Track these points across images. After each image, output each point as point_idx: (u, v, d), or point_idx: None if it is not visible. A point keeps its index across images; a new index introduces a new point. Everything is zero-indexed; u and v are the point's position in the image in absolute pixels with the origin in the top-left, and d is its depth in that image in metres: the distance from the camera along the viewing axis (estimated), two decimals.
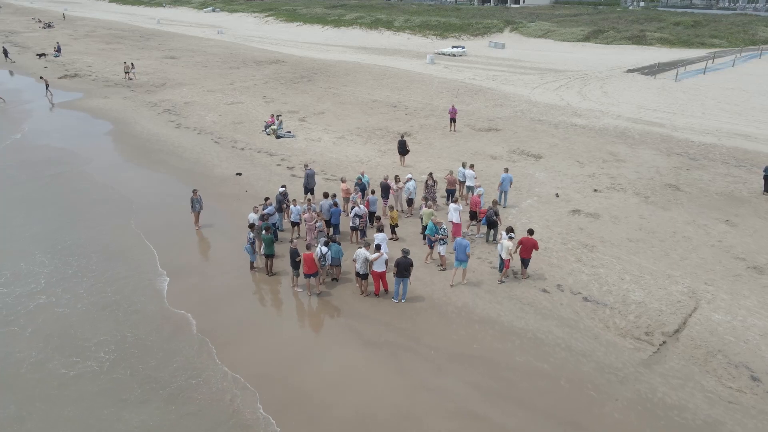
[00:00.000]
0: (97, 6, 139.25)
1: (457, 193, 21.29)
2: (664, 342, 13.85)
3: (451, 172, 21.67)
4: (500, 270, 16.74)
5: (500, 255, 16.46)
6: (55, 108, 39.60)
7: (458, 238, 16.32)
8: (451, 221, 18.51)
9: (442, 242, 17.13)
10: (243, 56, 60.69)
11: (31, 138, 32.70)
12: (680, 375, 12.82)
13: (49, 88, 41.89)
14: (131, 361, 13.73)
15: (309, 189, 21.95)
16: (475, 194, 19.63)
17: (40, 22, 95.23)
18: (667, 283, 16.24)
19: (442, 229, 17.01)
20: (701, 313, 14.87)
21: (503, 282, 16.64)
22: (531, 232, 16.46)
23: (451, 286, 16.49)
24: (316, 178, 24.69)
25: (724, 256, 17.82)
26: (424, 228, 19.09)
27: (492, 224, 18.74)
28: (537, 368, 13.19)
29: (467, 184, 21.85)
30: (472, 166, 22.30)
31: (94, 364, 13.66)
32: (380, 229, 16.84)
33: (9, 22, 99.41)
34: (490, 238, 19.03)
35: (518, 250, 16.32)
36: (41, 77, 44.16)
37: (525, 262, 16.54)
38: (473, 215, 19.51)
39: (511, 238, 16.34)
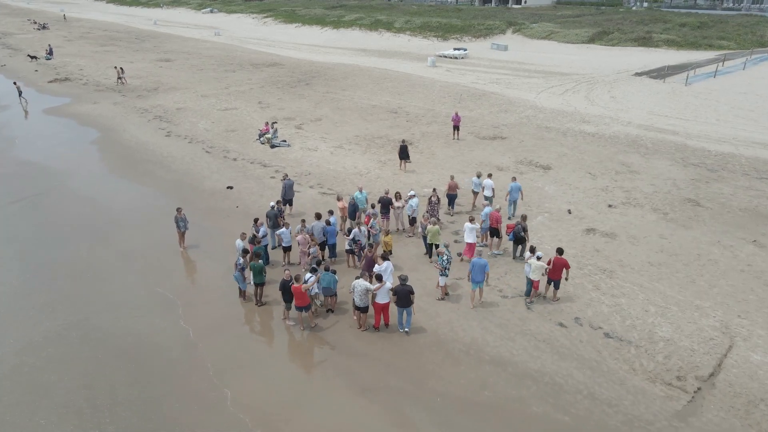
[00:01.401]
0: (94, 6, 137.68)
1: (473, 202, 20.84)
2: (699, 388, 12.33)
3: (452, 177, 21.16)
4: (527, 294, 15.56)
5: (528, 276, 15.28)
6: (40, 114, 38.01)
7: (475, 258, 14.99)
8: (467, 242, 17.18)
9: (442, 273, 15.55)
10: (239, 59, 59.15)
11: (7, 148, 31.18)
12: (720, 430, 11.30)
13: (22, 95, 40.14)
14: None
15: (287, 200, 21.25)
16: (494, 209, 18.17)
17: (35, 23, 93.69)
18: (697, 316, 14.72)
19: (443, 258, 15.38)
20: (737, 353, 13.35)
21: (531, 304, 15.44)
22: (560, 251, 15.30)
23: (473, 308, 15.37)
24: (311, 192, 23.24)
25: (755, 283, 16.29)
26: (430, 246, 17.68)
27: (519, 240, 17.49)
28: (557, 421, 11.65)
29: (485, 194, 20.77)
30: (490, 176, 21.23)
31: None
32: (384, 258, 15.30)
33: (3, 24, 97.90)
34: (517, 255, 17.75)
35: (547, 271, 15.14)
36: (14, 83, 42.33)
37: (556, 283, 15.38)
38: (494, 232, 18.12)
39: (539, 258, 15.15)
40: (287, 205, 21.28)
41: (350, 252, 17.35)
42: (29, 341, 14.55)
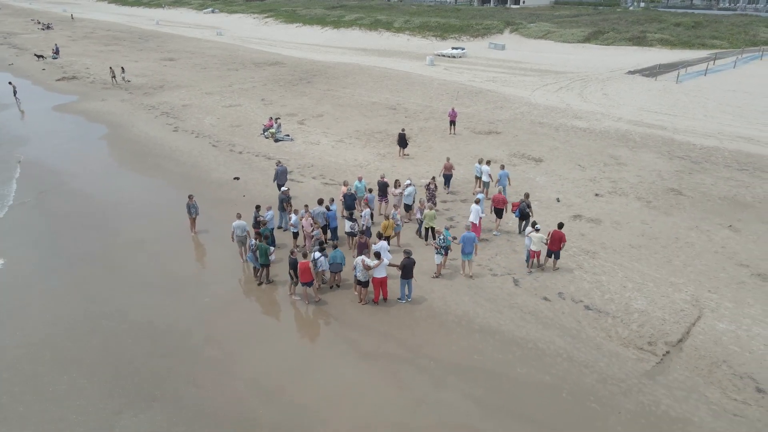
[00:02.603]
0: (96, 7, 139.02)
1: (476, 188, 22.72)
2: (667, 352, 13.60)
3: (447, 159, 23.74)
4: (527, 261, 17.39)
5: (528, 247, 17.10)
6: (49, 111, 39.28)
7: (465, 233, 16.57)
8: (471, 222, 18.52)
9: (438, 252, 16.83)
10: (242, 58, 60.44)
11: (20, 143, 32.46)
12: (684, 387, 12.56)
13: (17, 94, 41.18)
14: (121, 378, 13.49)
15: (280, 185, 22.53)
16: (498, 192, 20.12)
17: (39, 23, 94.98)
18: (670, 291, 15.99)
19: (440, 238, 16.70)
20: (705, 322, 14.62)
21: (531, 272, 17.22)
22: (561, 225, 17.00)
23: (471, 277, 17.03)
24: (313, 182, 24.50)
25: (727, 263, 17.56)
26: (426, 230, 18.98)
27: (524, 216, 19.12)
28: (539, 380, 12.93)
29: (483, 179, 22.56)
30: (488, 162, 22.83)
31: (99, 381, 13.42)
32: (380, 237, 16.61)
33: (7, 24, 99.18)
34: (522, 229, 19.36)
35: (546, 242, 16.89)
36: (9, 82, 43.10)
37: (556, 254, 17.06)
38: (498, 212, 19.67)
39: (538, 230, 16.94)
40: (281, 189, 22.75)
41: (351, 235, 18.64)
42: (56, 317, 15.80)
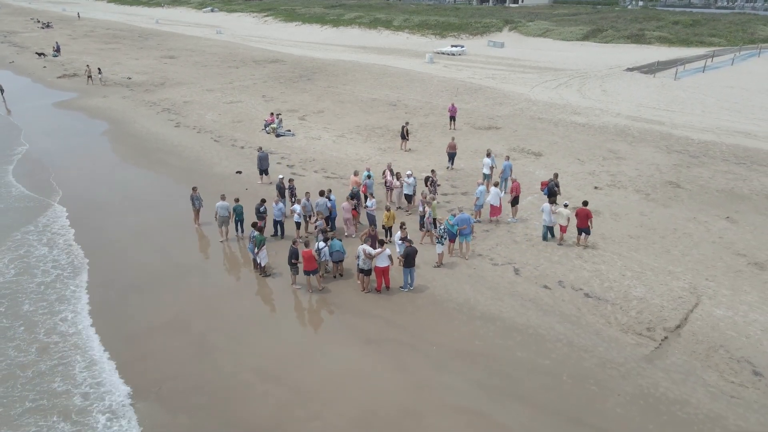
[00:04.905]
0: (95, 6, 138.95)
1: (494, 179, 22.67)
2: (665, 337, 13.83)
3: (452, 138, 25.91)
4: (544, 238, 18.60)
5: (545, 224, 18.30)
6: (50, 107, 39.47)
7: (462, 213, 17.15)
8: (492, 204, 19.50)
9: (439, 241, 17.04)
10: (242, 56, 60.62)
11: (23, 139, 32.65)
12: (682, 370, 12.80)
13: (3, 93, 41.20)
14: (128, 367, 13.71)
15: (263, 170, 24.29)
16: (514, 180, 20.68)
17: (39, 22, 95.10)
18: (669, 280, 16.23)
19: (441, 228, 16.93)
20: (703, 309, 14.85)
21: (561, 245, 18.27)
22: (585, 203, 18.01)
23: (467, 258, 17.68)
24: (315, 176, 24.78)
25: (725, 253, 17.80)
26: (434, 220, 19.20)
27: (552, 194, 19.72)
28: (539, 364, 13.16)
29: (483, 171, 22.99)
30: (489, 154, 23.10)
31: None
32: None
33: (7, 23, 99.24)
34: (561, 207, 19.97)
35: (569, 219, 17.93)
36: None
37: (585, 231, 17.87)
38: (514, 201, 20.17)
39: (565, 206, 18.13)
40: (262, 174, 24.46)
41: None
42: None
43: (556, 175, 20.73)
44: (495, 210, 19.72)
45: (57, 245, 19.60)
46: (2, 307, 16.01)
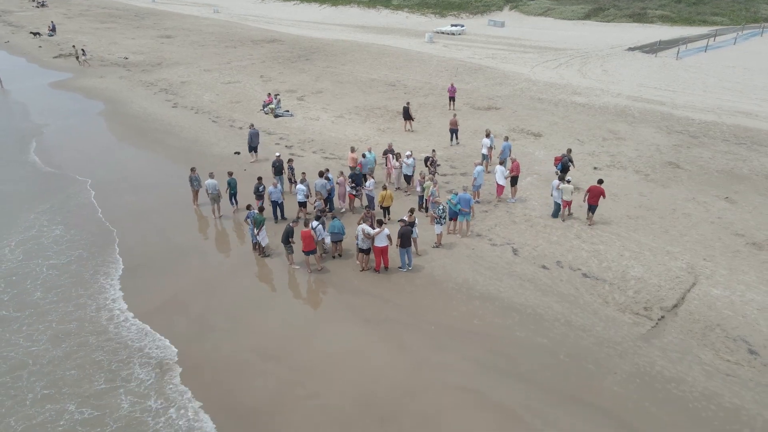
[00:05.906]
0: None
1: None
2: (662, 317, 13.92)
3: (454, 115, 26.65)
4: (554, 215, 18.69)
5: (556, 199, 18.42)
6: (46, 87, 39.13)
7: (462, 193, 17.17)
8: (498, 183, 19.65)
9: (438, 222, 17.04)
10: (239, 35, 59.94)
11: (22, 119, 32.44)
12: (678, 349, 12.90)
13: None
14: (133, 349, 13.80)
15: (253, 147, 24.50)
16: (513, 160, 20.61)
17: (33, 0, 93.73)
18: (667, 259, 16.27)
19: (439, 208, 16.90)
20: (700, 289, 14.92)
21: (564, 221, 18.49)
22: (600, 181, 17.94)
23: (464, 236, 17.81)
24: (314, 156, 24.71)
25: (723, 233, 17.82)
26: (426, 201, 19.21)
27: (566, 169, 20.00)
28: (537, 343, 13.25)
29: (482, 152, 22.92)
30: (488, 135, 23.02)
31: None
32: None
33: (1, 2, 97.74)
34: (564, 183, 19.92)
35: (586, 197, 17.92)
36: None
37: (592, 208, 17.98)
38: (514, 180, 20.14)
39: (568, 181, 18.23)
40: (252, 151, 24.64)
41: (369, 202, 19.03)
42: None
43: (569, 151, 20.93)
44: (500, 189, 19.82)
45: (55, 223, 19.59)
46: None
